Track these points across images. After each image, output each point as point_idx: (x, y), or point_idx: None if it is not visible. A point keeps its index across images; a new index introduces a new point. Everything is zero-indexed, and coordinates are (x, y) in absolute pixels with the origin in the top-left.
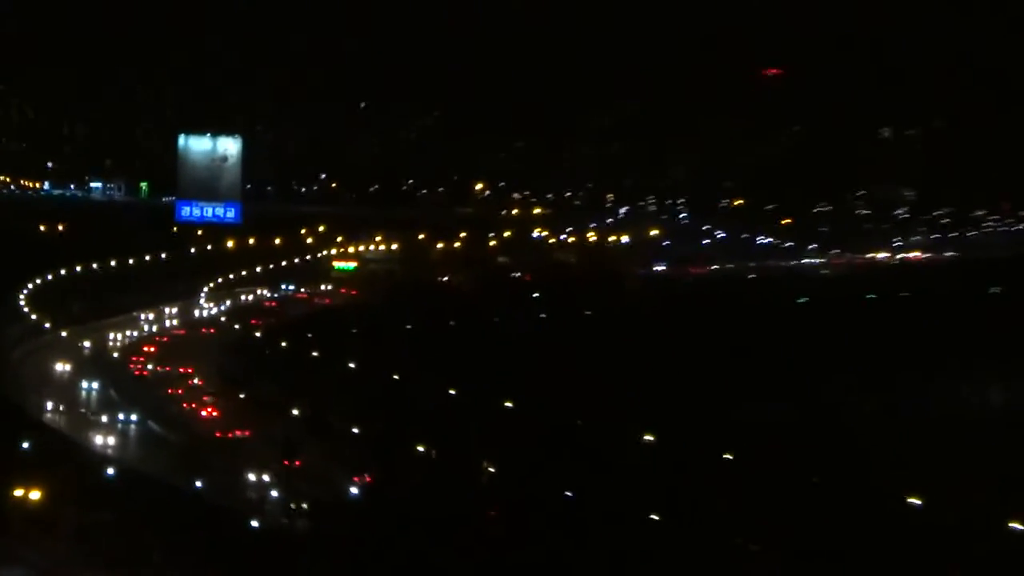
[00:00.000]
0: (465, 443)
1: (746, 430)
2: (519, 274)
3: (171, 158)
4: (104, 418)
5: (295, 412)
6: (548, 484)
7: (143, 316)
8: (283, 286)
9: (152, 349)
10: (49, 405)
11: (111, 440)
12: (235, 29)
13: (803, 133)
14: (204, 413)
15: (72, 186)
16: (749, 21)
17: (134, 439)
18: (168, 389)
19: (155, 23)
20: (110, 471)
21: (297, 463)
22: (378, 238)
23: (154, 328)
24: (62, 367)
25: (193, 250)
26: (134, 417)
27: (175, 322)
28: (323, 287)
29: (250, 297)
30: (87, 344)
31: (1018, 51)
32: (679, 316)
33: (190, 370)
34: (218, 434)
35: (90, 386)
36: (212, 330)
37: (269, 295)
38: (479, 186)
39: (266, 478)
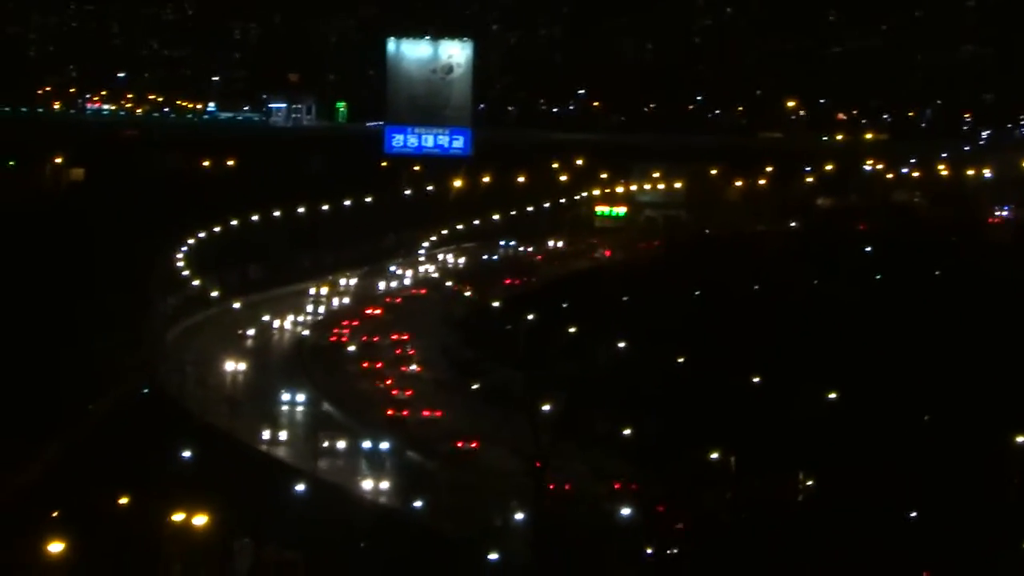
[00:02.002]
0: (773, 449)
1: None
2: (845, 221)
3: (378, 70)
4: (284, 410)
5: (545, 408)
6: (887, 505)
7: (342, 280)
8: (502, 243)
9: (353, 324)
10: (213, 402)
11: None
12: None
13: None
14: (425, 414)
15: (246, 108)
16: None
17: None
18: (376, 381)
19: None
20: (299, 488)
21: (547, 476)
22: (655, 175)
23: (352, 297)
24: (231, 357)
25: (408, 192)
26: (301, 398)
27: (384, 287)
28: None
29: (493, 255)
30: (267, 320)
31: None
32: None
33: (409, 352)
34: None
35: (265, 378)
36: (433, 295)
37: (509, 249)
38: (790, 103)
39: (509, 497)
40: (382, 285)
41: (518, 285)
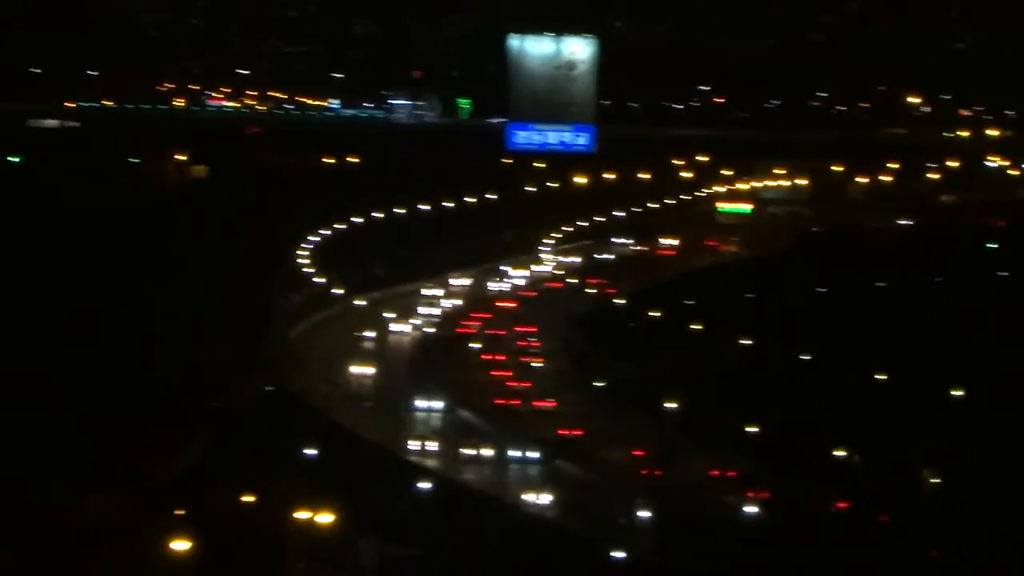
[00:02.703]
0: (899, 445)
1: None
2: (969, 217)
3: (500, 66)
4: (406, 403)
5: (668, 406)
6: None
7: (456, 281)
8: (617, 241)
9: (474, 323)
10: (338, 399)
11: (415, 443)
12: None
13: None
14: (536, 404)
15: (368, 104)
16: None
17: (446, 435)
18: (496, 372)
19: None
20: (422, 485)
21: (664, 473)
22: (779, 171)
23: (466, 298)
24: (356, 354)
25: (530, 188)
26: (437, 404)
27: (505, 285)
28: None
29: (609, 254)
30: (390, 316)
31: None
32: None
33: (533, 344)
34: (562, 431)
35: (389, 374)
36: (558, 289)
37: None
38: (913, 99)
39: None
40: (496, 284)
41: (641, 282)
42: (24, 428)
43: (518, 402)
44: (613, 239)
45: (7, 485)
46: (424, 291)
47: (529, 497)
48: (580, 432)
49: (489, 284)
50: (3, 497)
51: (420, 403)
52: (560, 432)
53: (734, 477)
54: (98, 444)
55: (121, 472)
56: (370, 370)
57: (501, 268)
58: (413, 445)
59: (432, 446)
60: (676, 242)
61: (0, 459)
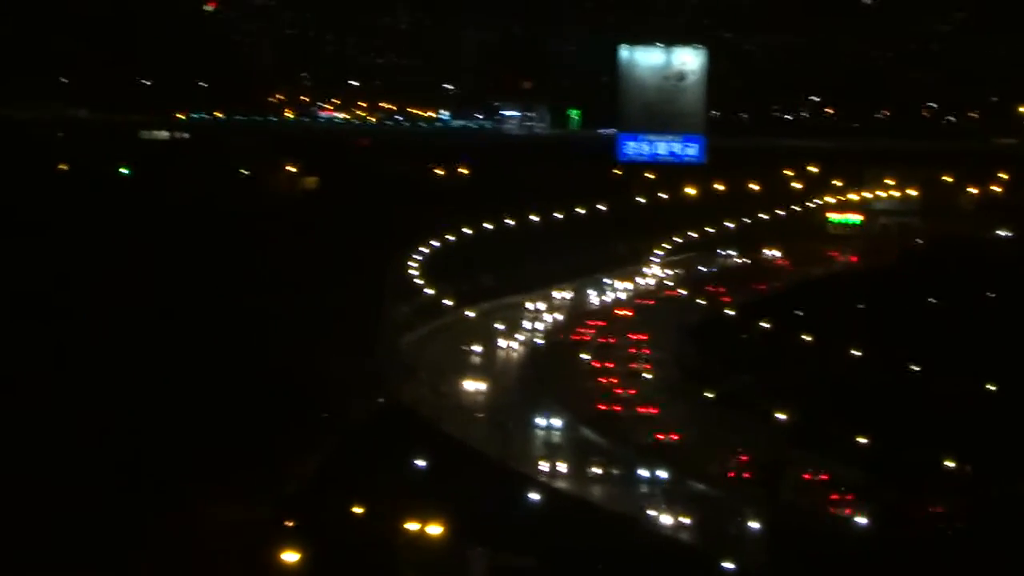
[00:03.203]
0: (1009, 456)
1: None
2: None
3: (610, 77)
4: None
5: (780, 416)
6: None
7: (560, 294)
8: (721, 252)
9: (588, 332)
10: (448, 410)
11: (537, 457)
12: None
13: None
14: (640, 411)
15: (478, 115)
16: None
17: (561, 449)
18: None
19: None
20: (534, 496)
21: (782, 483)
22: (889, 182)
23: (588, 302)
24: (467, 366)
25: (641, 199)
26: (556, 423)
27: (616, 295)
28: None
29: (711, 267)
30: (500, 327)
31: None
32: None
33: (644, 352)
34: (660, 436)
35: (500, 386)
36: (672, 299)
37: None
38: None
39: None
40: (598, 298)
41: (754, 292)
42: (147, 433)
43: (620, 408)
44: (719, 251)
45: (134, 491)
46: (528, 304)
47: (650, 513)
48: (676, 437)
49: (592, 297)
50: (131, 504)
51: (540, 421)
52: (658, 436)
53: (843, 488)
54: (224, 452)
55: (248, 480)
56: (483, 385)
57: (604, 281)
58: (543, 466)
59: (562, 467)
60: (779, 253)
61: (128, 464)
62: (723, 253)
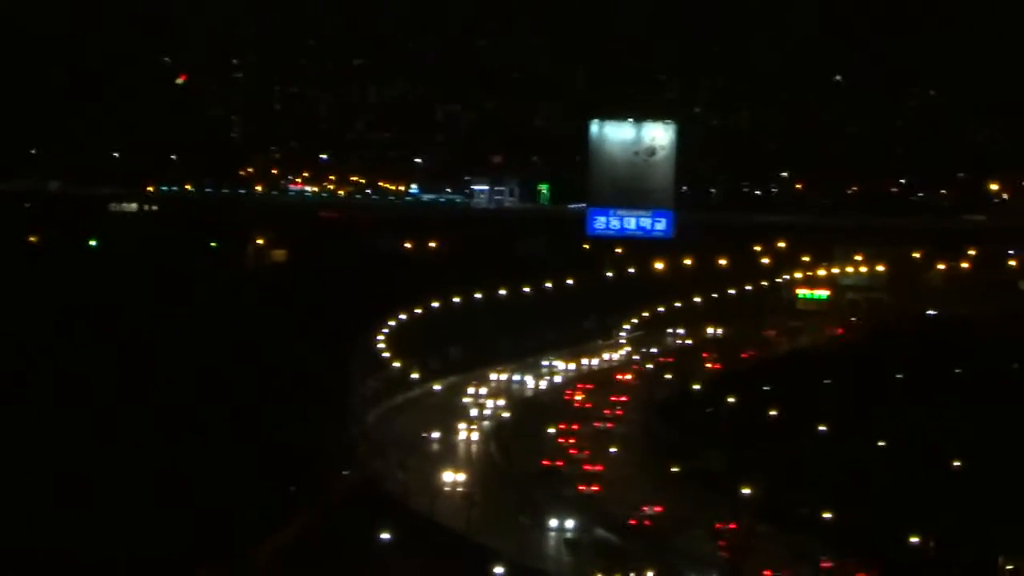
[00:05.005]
0: (978, 533)
1: None
2: None
3: (580, 152)
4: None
5: (745, 491)
6: None
7: (544, 362)
8: (670, 331)
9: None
10: (415, 485)
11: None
12: None
13: None
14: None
15: (448, 189)
16: None
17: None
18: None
19: None
20: (498, 571)
21: (748, 558)
22: (858, 257)
23: (553, 379)
24: (432, 441)
25: (609, 274)
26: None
27: (583, 368)
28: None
29: (686, 339)
30: (467, 402)
31: None
32: None
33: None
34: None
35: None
36: (634, 379)
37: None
38: (994, 186)
39: None
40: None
41: (718, 369)
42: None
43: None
44: (669, 329)
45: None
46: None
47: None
48: (659, 509)
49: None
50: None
51: (554, 522)
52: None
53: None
54: (203, 525)
55: (226, 553)
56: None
57: (543, 363)
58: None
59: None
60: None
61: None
62: (671, 332)
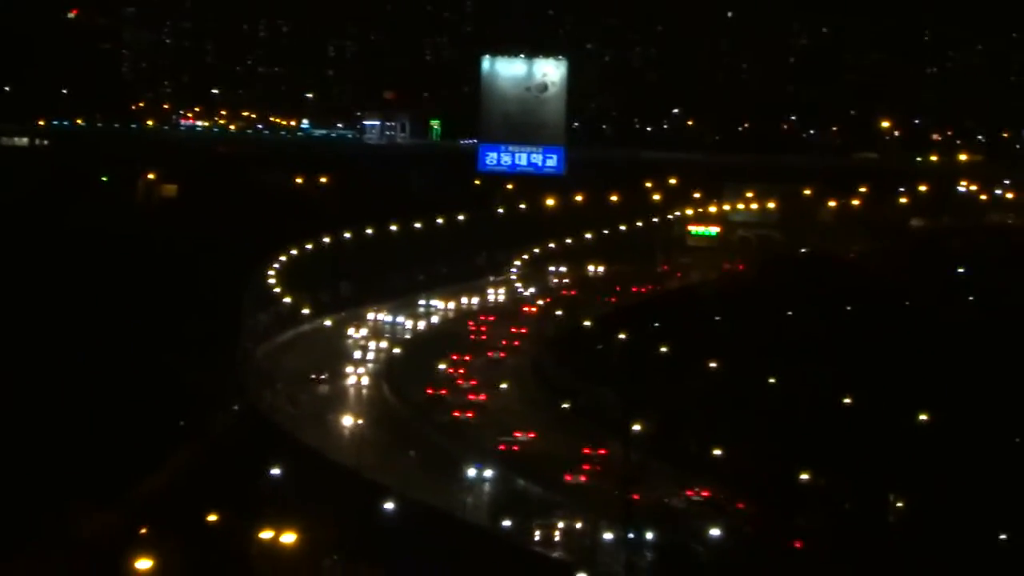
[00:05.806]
0: (868, 469)
1: None
2: (939, 242)
3: (472, 88)
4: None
5: (636, 428)
6: (979, 528)
7: (431, 302)
8: (552, 269)
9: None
10: (303, 419)
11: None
12: None
13: None
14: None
15: (340, 125)
16: None
17: (411, 465)
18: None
19: None
20: (388, 506)
21: (636, 496)
22: (749, 194)
23: (446, 315)
24: (319, 375)
25: (501, 210)
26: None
27: (474, 305)
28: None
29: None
30: (356, 336)
31: None
32: None
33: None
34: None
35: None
36: (532, 311)
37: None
38: (885, 124)
39: (598, 518)
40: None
41: (610, 304)
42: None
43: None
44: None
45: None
46: (423, 297)
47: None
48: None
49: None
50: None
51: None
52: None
53: (704, 499)
54: (89, 458)
55: (111, 488)
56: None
57: (420, 302)
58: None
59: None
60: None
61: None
62: (552, 269)
